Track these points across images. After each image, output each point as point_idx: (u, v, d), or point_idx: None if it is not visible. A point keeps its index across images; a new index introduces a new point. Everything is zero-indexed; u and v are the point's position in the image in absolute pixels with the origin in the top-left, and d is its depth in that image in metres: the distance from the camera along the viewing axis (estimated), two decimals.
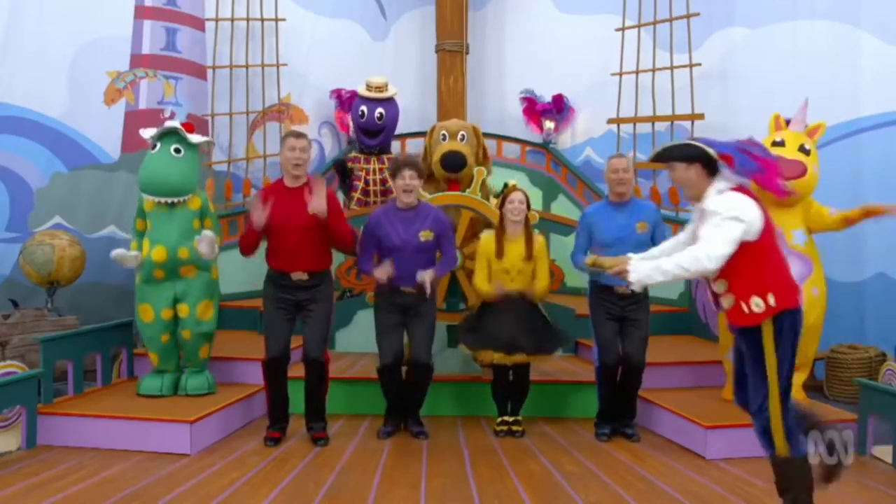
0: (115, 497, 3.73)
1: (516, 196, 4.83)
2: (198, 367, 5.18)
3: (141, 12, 7.53)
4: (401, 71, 7.96)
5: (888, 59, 6.88)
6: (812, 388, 5.72)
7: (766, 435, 3.29)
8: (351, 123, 7.82)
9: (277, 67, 8.14)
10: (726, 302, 3.33)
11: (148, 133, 5.12)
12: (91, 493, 3.81)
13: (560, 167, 8.39)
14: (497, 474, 4.19)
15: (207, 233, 4.91)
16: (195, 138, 5.11)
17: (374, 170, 7.15)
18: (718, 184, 3.31)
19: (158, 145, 5.03)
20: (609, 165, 4.91)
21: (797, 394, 4.93)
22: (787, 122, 5.14)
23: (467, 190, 5.66)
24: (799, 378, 5.01)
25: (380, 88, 7.27)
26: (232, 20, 8.09)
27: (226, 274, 6.87)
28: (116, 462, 4.27)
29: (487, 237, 4.92)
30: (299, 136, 4.71)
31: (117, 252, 4.86)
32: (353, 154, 7.47)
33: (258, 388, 5.34)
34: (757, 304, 3.22)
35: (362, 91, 7.31)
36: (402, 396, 4.95)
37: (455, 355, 5.65)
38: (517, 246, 4.83)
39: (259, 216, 4.45)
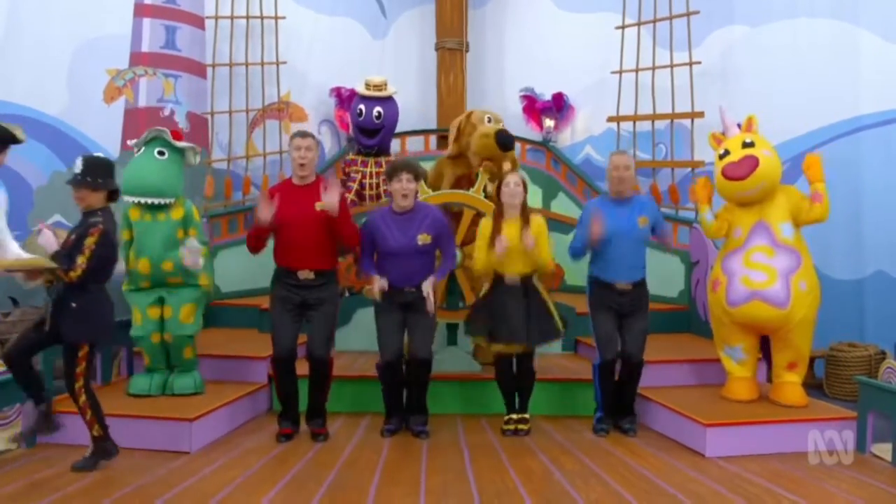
0: (114, 495, 3.73)
1: (512, 179, 4.80)
2: (185, 367, 5.15)
3: (140, 10, 7.53)
4: (401, 69, 7.95)
5: (888, 56, 6.89)
6: (812, 385, 5.73)
7: None
8: (350, 125, 7.81)
9: (277, 65, 8.14)
10: None
11: (133, 142, 5.15)
12: (91, 491, 3.81)
13: (560, 165, 8.39)
14: (497, 472, 4.19)
15: (193, 242, 4.84)
16: (180, 143, 5.08)
17: (372, 173, 7.13)
18: None
19: (143, 149, 5.04)
20: (611, 162, 4.96)
21: (794, 394, 4.94)
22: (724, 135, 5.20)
23: (471, 189, 5.67)
24: (797, 376, 5.02)
25: (378, 87, 7.24)
26: (231, 18, 8.09)
27: (225, 272, 6.89)
28: (116, 460, 4.26)
29: (486, 220, 4.91)
30: (305, 135, 4.76)
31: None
32: (351, 156, 7.44)
33: (259, 386, 5.37)
34: None
35: (361, 90, 7.29)
36: (405, 395, 4.97)
37: (455, 354, 5.66)
38: (515, 227, 4.78)
39: (265, 212, 4.47)
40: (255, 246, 4.72)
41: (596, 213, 4.73)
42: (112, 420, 4.55)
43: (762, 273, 4.83)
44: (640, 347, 4.89)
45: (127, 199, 4.94)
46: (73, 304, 3.91)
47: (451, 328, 5.72)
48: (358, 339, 6.08)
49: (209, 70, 7.93)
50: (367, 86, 7.27)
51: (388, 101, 7.30)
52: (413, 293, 4.73)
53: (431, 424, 4.95)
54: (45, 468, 4.15)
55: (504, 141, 5.70)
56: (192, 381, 5.10)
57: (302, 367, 4.86)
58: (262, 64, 8.11)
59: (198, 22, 7.84)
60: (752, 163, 4.85)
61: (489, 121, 5.99)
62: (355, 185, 7.10)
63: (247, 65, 8.08)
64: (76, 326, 4.00)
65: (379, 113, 7.06)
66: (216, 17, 8.01)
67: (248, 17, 8.12)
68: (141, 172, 4.92)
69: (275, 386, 4.97)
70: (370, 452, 4.51)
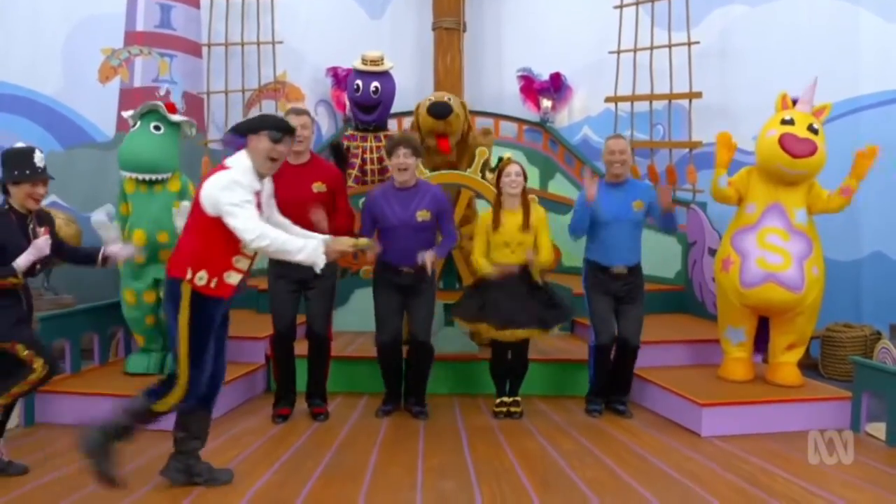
0: None
1: (512, 169, 4.78)
2: None
3: None
4: (397, 49, 7.89)
5: (888, 36, 6.85)
6: (807, 366, 5.75)
7: None
8: (347, 102, 7.76)
9: (273, 45, 8.07)
10: None
11: (128, 113, 5.09)
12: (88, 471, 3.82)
13: (557, 146, 8.37)
14: (494, 453, 4.21)
15: (186, 204, 4.65)
16: (176, 117, 5.03)
17: (371, 148, 7.07)
18: None
19: (139, 123, 4.99)
20: (606, 147, 4.92)
21: (790, 375, 4.96)
22: (794, 102, 5.09)
23: (468, 170, 5.65)
24: (794, 356, 5.04)
25: (375, 62, 7.17)
26: None
27: None
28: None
29: (486, 213, 4.90)
30: (300, 112, 4.72)
31: (97, 219, 4.07)
32: (350, 132, 7.39)
33: (256, 367, 5.39)
34: None
35: (357, 65, 7.21)
36: (405, 377, 4.99)
37: (453, 334, 5.66)
38: (515, 217, 4.78)
39: None
40: None
41: (590, 179, 4.70)
42: (109, 401, 4.55)
43: (777, 255, 4.81)
44: (636, 332, 4.89)
45: (124, 174, 4.93)
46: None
47: (449, 309, 5.72)
48: (355, 320, 6.09)
49: (205, 49, 7.87)
50: (364, 61, 7.18)
51: (385, 75, 7.21)
52: (411, 275, 4.72)
53: (428, 405, 4.97)
54: (44, 447, 4.17)
55: (435, 111, 5.67)
56: None
57: (300, 348, 4.87)
58: (258, 43, 8.05)
59: (193, 1, 7.77)
60: (812, 148, 4.80)
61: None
62: (357, 161, 7.05)
63: (242, 44, 8.02)
64: None
65: (376, 88, 6.99)
66: None
67: None
68: (137, 148, 4.89)
69: (272, 365, 4.96)
70: (368, 433, 4.53)
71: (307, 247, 3.42)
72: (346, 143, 7.22)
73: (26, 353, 3.74)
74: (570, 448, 4.30)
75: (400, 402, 5.02)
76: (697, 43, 7.41)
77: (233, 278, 3.49)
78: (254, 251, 3.48)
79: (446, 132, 5.78)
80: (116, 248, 3.94)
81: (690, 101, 7.39)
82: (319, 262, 3.43)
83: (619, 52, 7.93)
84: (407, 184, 4.72)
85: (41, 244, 3.71)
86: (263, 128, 3.47)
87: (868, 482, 3.79)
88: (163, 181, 4.94)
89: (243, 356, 5.48)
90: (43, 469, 3.85)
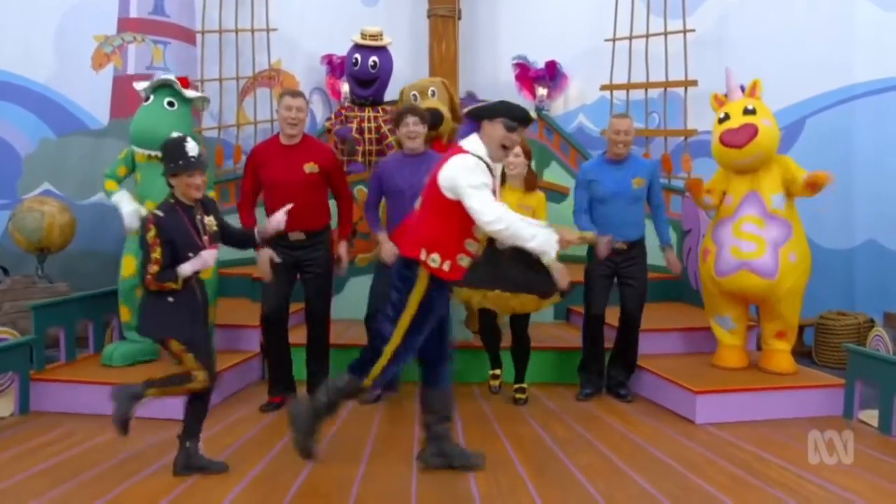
0: (107, 462, 3.76)
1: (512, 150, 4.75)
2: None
3: None
4: (392, 37, 7.82)
5: (884, 25, 6.82)
6: (801, 353, 5.77)
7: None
8: (343, 87, 7.72)
9: (268, 32, 8.03)
10: None
11: (141, 85, 5.06)
12: (84, 458, 3.83)
13: (553, 134, 8.34)
14: (489, 440, 4.23)
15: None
16: (189, 93, 5.02)
17: (370, 117, 7.02)
18: None
19: (152, 98, 4.96)
20: (611, 125, 4.95)
21: (784, 362, 4.98)
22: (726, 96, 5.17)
23: None
24: (787, 344, 5.06)
25: (374, 37, 7.13)
26: None
27: None
28: (109, 428, 4.25)
29: None
30: (295, 94, 4.69)
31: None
32: (348, 104, 7.36)
33: (252, 355, 5.39)
34: None
35: (356, 39, 7.17)
36: None
37: None
38: (514, 192, 4.75)
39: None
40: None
41: (601, 237, 4.62)
42: (104, 389, 4.54)
43: (752, 243, 4.85)
44: (637, 305, 4.95)
45: (136, 149, 4.93)
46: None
47: None
48: (350, 308, 6.05)
49: (198, 37, 7.82)
50: (363, 35, 7.14)
51: (383, 51, 7.17)
52: None
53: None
54: (39, 435, 4.18)
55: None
56: None
57: (296, 336, 4.86)
58: (253, 31, 8.00)
59: None
60: (751, 131, 4.83)
61: (415, 98, 5.90)
62: (353, 128, 7.00)
63: (237, 31, 7.97)
64: None
65: (374, 63, 6.95)
66: None
67: None
68: (152, 126, 4.83)
69: (263, 351, 4.91)
70: (362, 421, 4.54)
71: (540, 234, 3.38)
72: (343, 112, 7.16)
73: (191, 360, 3.56)
74: (565, 435, 4.32)
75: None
76: (693, 31, 7.39)
77: (465, 261, 3.52)
78: (487, 234, 3.46)
79: (438, 135, 5.76)
80: (276, 219, 3.95)
81: (686, 89, 7.37)
82: (551, 252, 3.38)
83: (614, 40, 7.91)
84: (416, 151, 4.70)
85: (207, 258, 3.54)
86: (500, 115, 3.45)
87: (861, 469, 3.81)
88: None
89: (237, 344, 5.49)
90: (36, 457, 3.85)
